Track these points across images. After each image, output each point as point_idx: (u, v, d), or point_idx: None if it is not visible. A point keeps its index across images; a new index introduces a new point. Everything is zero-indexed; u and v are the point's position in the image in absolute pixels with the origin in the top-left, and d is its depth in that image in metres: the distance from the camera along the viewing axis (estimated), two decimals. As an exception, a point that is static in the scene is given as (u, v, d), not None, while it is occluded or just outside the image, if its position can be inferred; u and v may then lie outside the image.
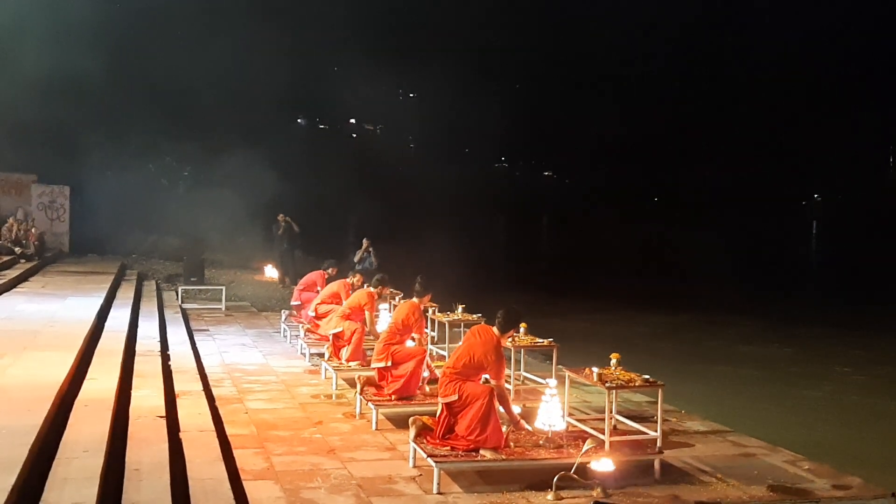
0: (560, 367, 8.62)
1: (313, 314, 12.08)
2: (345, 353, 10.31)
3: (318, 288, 13.48)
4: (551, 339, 9.34)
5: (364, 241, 17.41)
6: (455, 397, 6.84)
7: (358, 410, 8.78)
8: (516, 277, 26.51)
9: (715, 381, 15.10)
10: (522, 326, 9.49)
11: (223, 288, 17.76)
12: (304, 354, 11.93)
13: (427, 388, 8.84)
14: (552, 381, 7.36)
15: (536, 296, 22.52)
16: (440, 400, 6.99)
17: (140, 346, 11.25)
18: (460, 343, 7.55)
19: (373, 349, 10.04)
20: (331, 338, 10.52)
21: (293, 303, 13.96)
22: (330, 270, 13.89)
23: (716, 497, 6.47)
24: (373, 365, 8.86)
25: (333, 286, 12.39)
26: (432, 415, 7.34)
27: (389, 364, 8.66)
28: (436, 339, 11.64)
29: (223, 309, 16.74)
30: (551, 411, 7.06)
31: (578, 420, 8.16)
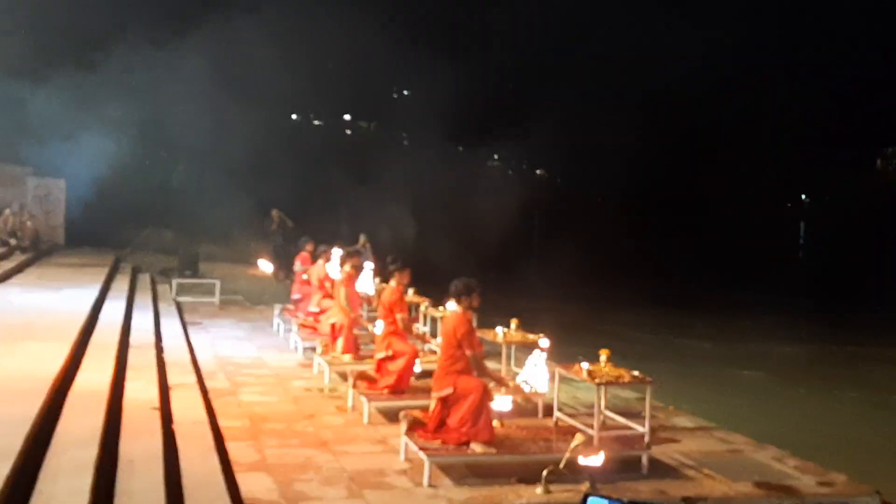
0: (550, 362, 8.69)
1: (317, 309, 12.10)
2: (338, 345, 10.39)
3: (302, 267, 13.60)
4: (542, 336, 9.40)
5: (361, 237, 17.42)
6: (450, 390, 6.91)
7: (350, 404, 8.85)
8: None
9: (705, 378, 15.18)
10: (514, 322, 9.57)
11: (217, 282, 17.77)
12: (297, 348, 11.99)
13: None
14: (544, 342, 7.36)
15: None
16: (434, 395, 7.06)
17: (134, 339, 11.27)
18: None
19: (370, 344, 10.16)
20: (329, 329, 10.60)
21: (294, 296, 13.99)
22: (307, 247, 13.91)
23: (702, 492, 6.56)
24: (375, 356, 8.93)
25: (314, 273, 12.44)
26: (424, 409, 7.42)
27: (390, 353, 8.73)
28: (428, 334, 11.70)
29: (217, 302, 16.79)
30: (537, 372, 7.10)
31: (568, 415, 8.25)
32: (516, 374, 9.67)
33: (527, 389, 7.17)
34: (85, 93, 22.94)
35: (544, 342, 7.38)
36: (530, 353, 11.62)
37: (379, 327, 8.98)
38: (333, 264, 12.16)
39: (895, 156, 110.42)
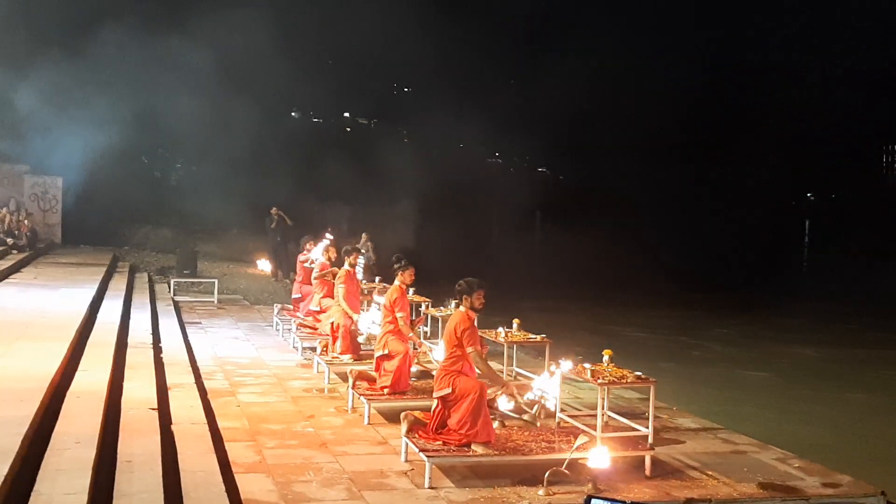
0: (552, 362, 8.63)
1: (317, 308, 12.03)
2: (337, 346, 10.33)
3: (305, 257, 13.57)
4: (544, 335, 9.35)
5: (363, 235, 17.38)
6: (449, 390, 6.86)
7: (350, 404, 8.79)
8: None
9: (708, 378, 15.12)
10: (515, 322, 9.52)
11: (215, 281, 17.73)
12: (296, 348, 11.93)
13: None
14: (566, 365, 7.26)
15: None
16: (435, 395, 7.00)
17: (132, 339, 11.24)
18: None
19: (370, 344, 10.10)
20: (329, 329, 10.53)
21: (294, 296, 13.92)
22: (308, 246, 13.86)
23: (706, 494, 6.50)
24: (375, 354, 8.88)
25: (317, 265, 12.38)
26: (424, 410, 7.36)
27: (386, 352, 8.68)
28: (429, 333, 11.65)
29: (215, 302, 16.72)
30: (550, 383, 7.00)
31: (570, 416, 8.19)
32: (518, 373, 9.67)
33: (536, 397, 7.04)
34: (81, 89, 22.88)
35: (567, 364, 7.27)
36: (531, 352, 11.66)
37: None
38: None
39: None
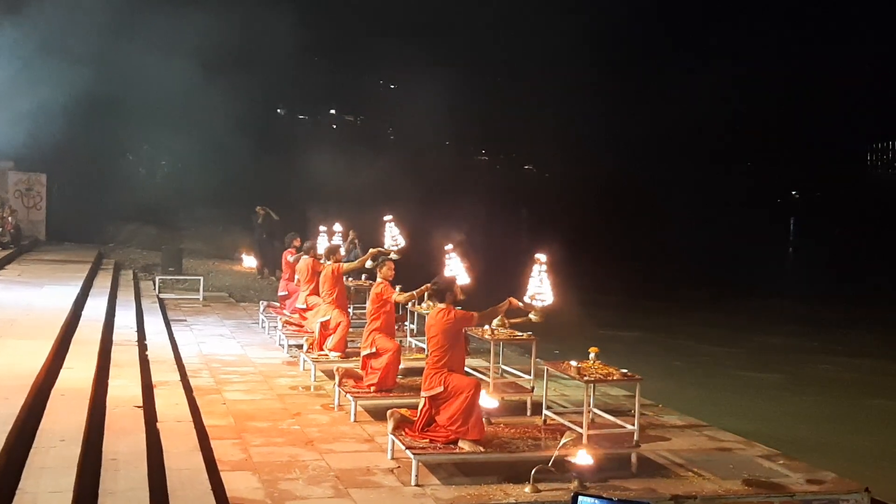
0: (539, 360, 8.65)
1: (303, 306, 11.99)
2: (330, 342, 10.30)
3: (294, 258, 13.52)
4: (530, 333, 9.35)
5: (350, 232, 17.31)
6: (440, 389, 6.85)
7: (336, 402, 8.78)
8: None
9: (695, 376, 15.12)
10: (505, 320, 9.51)
11: (201, 278, 17.65)
12: (282, 346, 11.91)
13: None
14: (541, 256, 7.28)
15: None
16: (423, 394, 6.99)
17: (117, 336, 11.19)
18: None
19: (356, 342, 10.09)
20: (318, 326, 10.49)
21: (280, 293, 13.86)
22: (295, 242, 13.81)
23: (691, 491, 6.52)
24: (362, 353, 8.88)
25: (302, 268, 12.29)
26: (411, 407, 7.35)
27: (374, 350, 8.68)
28: (415, 331, 11.64)
29: (201, 299, 16.64)
30: (542, 284, 7.02)
31: (556, 413, 8.20)
32: (504, 370, 9.67)
33: (537, 303, 7.09)
34: (68, 84, 22.75)
35: (542, 256, 7.26)
36: (518, 350, 11.67)
37: None
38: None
39: (886, 151, 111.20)
